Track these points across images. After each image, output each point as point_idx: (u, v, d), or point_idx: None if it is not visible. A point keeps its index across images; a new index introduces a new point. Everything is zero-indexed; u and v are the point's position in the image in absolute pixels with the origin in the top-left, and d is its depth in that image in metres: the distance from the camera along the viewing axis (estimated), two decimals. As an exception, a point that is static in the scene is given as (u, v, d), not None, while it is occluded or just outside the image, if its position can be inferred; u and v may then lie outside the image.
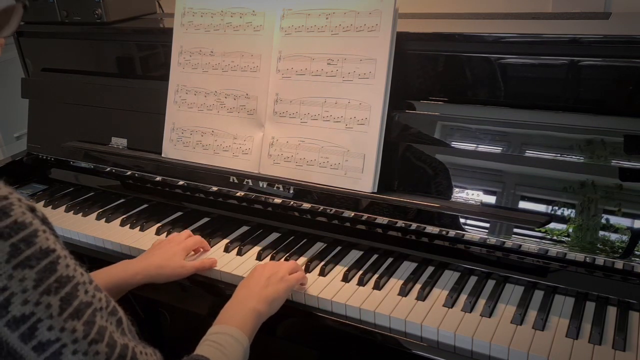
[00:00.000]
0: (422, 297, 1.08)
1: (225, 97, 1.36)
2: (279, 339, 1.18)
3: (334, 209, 1.25)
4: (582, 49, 1.06)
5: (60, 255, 0.70)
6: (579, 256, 1.04)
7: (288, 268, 1.10)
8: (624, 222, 1.01)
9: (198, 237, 1.26)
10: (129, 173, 1.55)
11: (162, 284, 1.17)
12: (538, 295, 1.07)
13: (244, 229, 1.38)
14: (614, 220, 1.02)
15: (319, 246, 1.29)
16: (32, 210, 0.70)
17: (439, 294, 1.09)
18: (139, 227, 1.42)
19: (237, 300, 1.03)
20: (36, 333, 0.66)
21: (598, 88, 1.06)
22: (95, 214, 1.50)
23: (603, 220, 1.03)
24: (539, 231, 1.07)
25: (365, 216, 1.22)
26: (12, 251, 0.65)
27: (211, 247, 1.30)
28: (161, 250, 1.19)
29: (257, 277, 1.07)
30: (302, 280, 1.12)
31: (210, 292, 1.22)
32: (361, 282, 1.13)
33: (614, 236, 1.02)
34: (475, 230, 1.12)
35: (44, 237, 0.69)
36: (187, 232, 1.28)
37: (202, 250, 1.28)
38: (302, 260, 1.23)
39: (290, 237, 1.32)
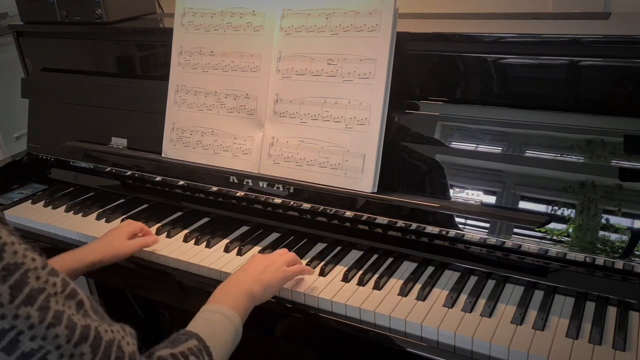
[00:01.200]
0: (422, 297, 1.08)
1: (225, 97, 1.36)
2: (279, 339, 1.18)
3: (334, 209, 1.25)
4: (582, 49, 1.06)
5: (7, 242, 0.67)
6: (579, 256, 1.04)
7: (287, 260, 1.12)
8: (624, 222, 1.01)
9: (138, 223, 1.34)
10: (128, 173, 1.55)
11: (163, 283, 1.18)
12: (538, 295, 1.07)
13: (244, 229, 1.38)
14: (614, 220, 1.02)
15: (319, 246, 1.28)
16: None
17: (439, 294, 1.09)
18: (139, 227, 1.42)
19: (232, 281, 1.05)
20: None
21: (598, 88, 1.06)
22: (95, 214, 1.50)
23: (603, 220, 1.03)
24: (539, 231, 1.07)
25: (365, 216, 1.22)
26: None
27: (211, 247, 1.30)
28: (105, 235, 1.30)
29: (255, 263, 1.09)
30: (302, 273, 1.14)
31: (210, 293, 1.22)
32: (361, 282, 1.13)
33: (614, 236, 1.02)
34: (475, 230, 1.12)
35: None
36: (128, 221, 1.35)
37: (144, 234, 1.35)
38: (302, 260, 1.23)
39: (290, 237, 1.32)
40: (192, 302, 1.28)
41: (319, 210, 1.27)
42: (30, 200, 1.62)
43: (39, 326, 0.66)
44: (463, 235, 1.14)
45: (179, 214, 1.48)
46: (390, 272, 1.16)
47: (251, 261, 1.11)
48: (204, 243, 1.31)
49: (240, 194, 1.37)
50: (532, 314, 1.02)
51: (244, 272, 1.07)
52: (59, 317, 0.68)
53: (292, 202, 1.29)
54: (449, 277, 1.15)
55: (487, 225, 1.11)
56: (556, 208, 1.06)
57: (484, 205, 1.12)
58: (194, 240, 1.33)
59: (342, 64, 1.21)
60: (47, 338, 0.66)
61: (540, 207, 1.08)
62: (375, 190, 1.19)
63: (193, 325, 0.91)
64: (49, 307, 0.67)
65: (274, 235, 1.35)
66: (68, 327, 0.68)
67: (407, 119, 1.19)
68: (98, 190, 1.65)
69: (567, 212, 1.05)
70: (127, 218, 1.46)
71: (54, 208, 1.56)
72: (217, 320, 0.93)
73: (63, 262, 1.17)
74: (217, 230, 1.37)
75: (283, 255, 1.14)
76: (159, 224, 1.43)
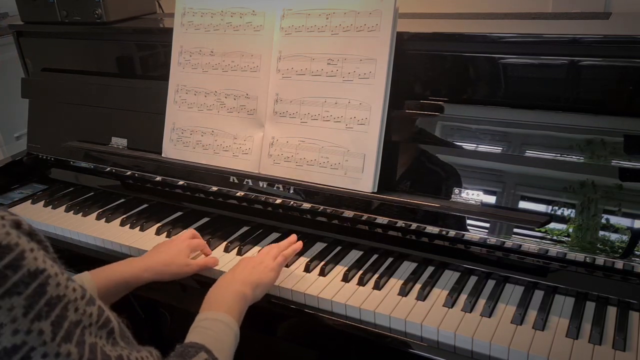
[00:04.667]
0: (422, 297, 1.08)
1: (225, 97, 1.36)
2: (279, 339, 1.18)
3: (334, 209, 1.25)
4: (582, 49, 1.06)
5: (51, 274, 0.65)
6: (579, 256, 1.04)
7: (273, 255, 1.13)
8: (624, 222, 1.01)
9: (202, 240, 1.27)
10: (129, 173, 1.55)
11: (163, 283, 1.17)
12: (538, 295, 1.07)
13: (244, 229, 1.38)
14: (614, 220, 1.02)
15: (319, 246, 1.28)
16: (18, 226, 0.66)
17: (439, 294, 1.09)
18: (139, 227, 1.42)
19: (221, 285, 1.04)
20: None
21: (598, 88, 1.06)
22: (95, 214, 1.50)
23: (603, 220, 1.03)
24: (539, 231, 1.07)
25: (365, 216, 1.22)
26: None
27: (211, 247, 1.30)
28: (166, 247, 1.20)
29: (242, 265, 1.09)
30: (289, 258, 1.15)
31: (210, 292, 1.22)
32: (361, 282, 1.13)
33: (614, 236, 1.02)
34: (475, 230, 1.12)
35: (31, 257, 0.64)
36: (192, 231, 1.28)
37: (202, 254, 1.28)
38: (302, 260, 1.23)
39: (290, 237, 1.32)
40: (192, 302, 1.28)
41: (319, 210, 1.27)
42: (30, 200, 1.62)
43: None
44: (463, 235, 1.14)
45: (179, 214, 1.48)
46: (390, 272, 1.16)
47: (238, 264, 1.11)
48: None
49: (240, 194, 1.37)
50: (532, 314, 1.02)
51: (231, 275, 1.07)
52: (94, 350, 0.67)
53: (292, 202, 1.29)
54: (449, 277, 1.15)
55: (487, 225, 1.11)
56: (556, 208, 1.06)
57: (484, 205, 1.12)
58: (195, 240, 1.33)
59: (342, 64, 1.21)
60: None
61: (540, 207, 1.08)
62: (375, 190, 1.19)
63: (196, 336, 0.90)
64: (84, 342, 0.67)
65: (274, 235, 1.35)
66: None
67: (407, 119, 1.19)
68: (98, 190, 1.65)
69: (567, 212, 1.05)
70: (127, 218, 1.46)
71: (54, 208, 1.56)
72: (219, 329, 0.93)
73: (116, 273, 1.11)
74: (217, 230, 1.37)
75: (268, 252, 1.14)
76: (159, 224, 1.43)
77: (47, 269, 0.65)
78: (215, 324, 0.94)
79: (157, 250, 1.20)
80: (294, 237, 1.24)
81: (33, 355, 0.62)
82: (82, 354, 0.66)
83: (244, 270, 1.07)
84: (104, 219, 1.47)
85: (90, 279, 1.07)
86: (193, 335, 0.91)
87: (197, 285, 1.23)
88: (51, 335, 0.63)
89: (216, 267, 1.22)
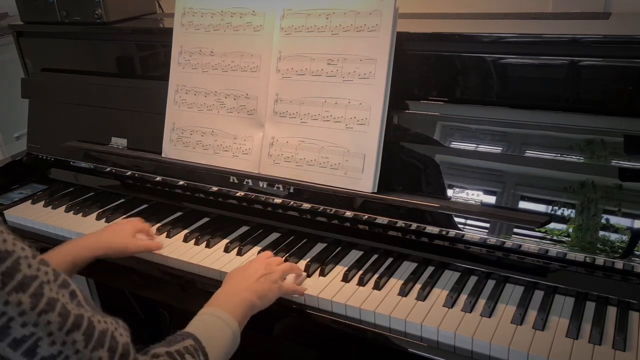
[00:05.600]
0: (422, 297, 1.08)
1: (225, 97, 1.36)
2: (278, 339, 1.18)
3: (334, 209, 1.25)
4: (582, 49, 1.06)
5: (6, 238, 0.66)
6: (579, 256, 1.04)
7: (283, 271, 1.12)
8: (624, 222, 1.01)
9: (147, 225, 1.34)
10: (128, 173, 1.55)
11: (163, 283, 1.18)
12: (538, 295, 1.07)
13: (244, 229, 1.38)
14: (614, 220, 1.02)
15: (319, 246, 1.28)
16: None
17: (439, 294, 1.09)
18: (139, 227, 1.42)
19: (230, 287, 1.05)
20: None
21: (598, 88, 1.06)
22: (95, 214, 1.50)
23: (603, 220, 1.03)
24: (539, 231, 1.07)
25: (365, 216, 1.22)
26: None
27: (211, 247, 1.30)
28: (111, 227, 1.29)
29: (252, 269, 1.09)
30: (295, 293, 1.12)
31: (209, 293, 1.21)
32: (361, 282, 1.13)
33: (614, 236, 1.02)
34: (475, 230, 1.12)
35: None
36: (137, 219, 1.34)
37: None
38: (302, 260, 1.23)
39: (290, 237, 1.32)
40: (192, 302, 1.28)
41: (319, 210, 1.27)
42: (30, 200, 1.62)
43: (30, 312, 0.65)
44: (463, 235, 1.14)
45: (179, 214, 1.48)
46: (390, 272, 1.16)
47: (249, 266, 1.11)
48: (204, 243, 1.31)
49: (240, 194, 1.37)
50: (532, 314, 1.02)
51: (242, 277, 1.07)
52: (53, 304, 0.67)
53: (292, 202, 1.29)
54: (449, 277, 1.15)
55: (487, 225, 1.11)
56: (556, 208, 1.06)
57: (484, 205, 1.12)
58: (194, 240, 1.33)
59: (342, 64, 1.21)
60: (39, 324, 0.66)
61: (540, 207, 1.08)
62: (375, 190, 1.19)
63: (190, 327, 0.92)
64: (42, 294, 0.67)
65: (274, 235, 1.35)
66: (61, 314, 0.68)
67: (407, 119, 1.19)
68: (98, 190, 1.65)
69: (567, 212, 1.05)
70: (127, 218, 1.46)
71: (54, 208, 1.56)
72: (214, 323, 0.94)
73: (65, 252, 1.17)
74: (217, 230, 1.37)
75: (280, 265, 1.13)
76: (159, 224, 1.43)
77: None
78: (212, 318, 0.95)
79: (101, 230, 1.29)
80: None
81: None
82: (36, 304, 0.66)
83: (252, 276, 1.07)
84: (104, 219, 1.47)
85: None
86: (187, 326, 0.92)
87: (196, 285, 1.23)
88: (0, 285, 0.64)
89: (216, 267, 1.22)
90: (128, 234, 1.27)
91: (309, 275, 1.17)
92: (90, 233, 1.29)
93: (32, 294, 0.66)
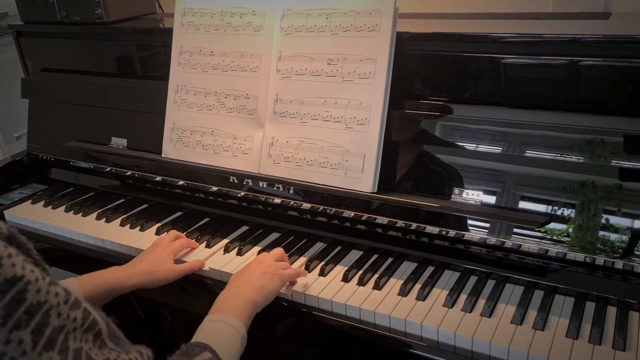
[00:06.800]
0: (422, 297, 1.08)
1: (225, 97, 1.36)
2: (279, 339, 1.18)
3: (334, 209, 1.25)
4: (582, 49, 1.06)
5: (30, 280, 0.62)
6: (579, 256, 1.04)
7: (281, 262, 1.13)
8: (624, 222, 1.01)
9: (184, 239, 1.28)
10: (128, 173, 1.55)
11: (162, 285, 1.18)
12: (538, 295, 1.07)
13: (244, 229, 1.38)
14: (614, 220, 1.02)
15: (319, 246, 1.29)
16: None
17: (439, 294, 1.09)
18: (139, 227, 1.42)
19: (232, 290, 1.05)
20: None
21: (598, 88, 1.06)
22: (95, 214, 1.50)
23: (603, 220, 1.03)
24: (539, 231, 1.07)
25: (365, 216, 1.22)
26: None
27: (211, 247, 1.30)
28: (149, 256, 1.20)
29: (252, 269, 1.09)
30: (297, 276, 1.13)
31: (210, 292, 1.22)
32: (361, 282, 1.13)
33: (614, 236, 1.02)
34: (475, 230, 1.12)
35: (9, 264, 0.61)
36: (174, 233, 1.29)
37: (191, 249, 1.30)
38: (302, 260, 1.23)
39: (290, 237, 1.32)
40: (193, 302, 1.29)
41: (319, 210, 1.27)
42: (30, 200, 1.62)
43: None
44: (463, 235, 1.14)
45: (179, 214, 1.48)
46: (390, 272, 1.16)
47: (248, 267, 1.11)
48: (204, 243, 1.31)
49: (240, 194, 1.37)
50: (532, 314, 1.02)
51: (242, 280, 1.07)
52: (78, 356, 0.66)
53: (292, 202, 1.29)
54: (449, 277, 1.15)
55: (487, 225, 1.11)
56: (556, 208, 1.06)
57: (484, 205, 1.12)
58: (194, 240, 1.33)
59: (342, 64, 1.21)
60: None
61: (540, 207, 1.08)
62: (375, 190, 1.19)
63: (202, 336, 0.91)
64: (68, 347, 0.65)
65: (274, 235, 1.35)
66: None
67: (407, 119, 1.19)
68: (98, 190, 1.65)
69: (567, 212, 1.05)
70: (127, 218, 1.46)
71: (54, 208, 1.56)
72: (226, 331, 0.93)
73: (102, 280, 1.12)
74: (217, 230, 1.37)
75: (276, 256, 1.14)
76: (159, 224, 1.43)
77: (25, 275, 0.62)
78: (223, 325, 0.94)
79: (140, 259, 1.20)
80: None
81: None
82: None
83: (253, 276, 1.07)
84: (104, 219, 1.47)
85: (77, 284, 1.08)
86: (199, 335, 0.91)
87: (197, 285, 1.23)
88: (32, 344, 0.61)
89: (217, 268, 1.22)
90: (169, 260, 1.20)
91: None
92: (130, 262, 1.19)
93: (60, 350, 0.64)
